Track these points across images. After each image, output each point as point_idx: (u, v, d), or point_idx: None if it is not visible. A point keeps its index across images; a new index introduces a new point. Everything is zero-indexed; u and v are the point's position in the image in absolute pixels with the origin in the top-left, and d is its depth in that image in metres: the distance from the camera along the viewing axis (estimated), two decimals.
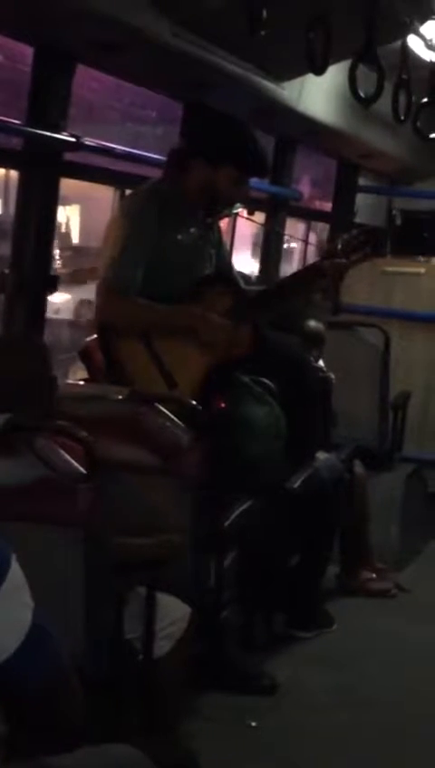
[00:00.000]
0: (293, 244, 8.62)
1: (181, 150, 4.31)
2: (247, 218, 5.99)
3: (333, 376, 5.41)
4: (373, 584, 5.59)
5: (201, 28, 4.08)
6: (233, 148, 4.24)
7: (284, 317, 4.76)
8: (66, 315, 9.50)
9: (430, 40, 5.34)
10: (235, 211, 4.73)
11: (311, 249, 8.02)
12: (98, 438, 3.00)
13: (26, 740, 2.02)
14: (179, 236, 4.25)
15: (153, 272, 4.14)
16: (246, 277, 5.01)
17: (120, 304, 4.12)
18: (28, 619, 1.90)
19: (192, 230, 4.31)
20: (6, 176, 6.20)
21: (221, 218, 4.52)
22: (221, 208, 4.37)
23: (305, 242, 7.60)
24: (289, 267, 7.61)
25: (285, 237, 7.04)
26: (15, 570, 1.90)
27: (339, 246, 4.45)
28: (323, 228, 8.29)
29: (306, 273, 4.67)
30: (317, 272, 4.48)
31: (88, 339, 4.35)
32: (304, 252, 7.78)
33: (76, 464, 2.92)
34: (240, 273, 4.99)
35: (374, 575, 5.62)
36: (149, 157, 4.88)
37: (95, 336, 4.25)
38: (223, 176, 4.22)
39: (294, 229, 7.64)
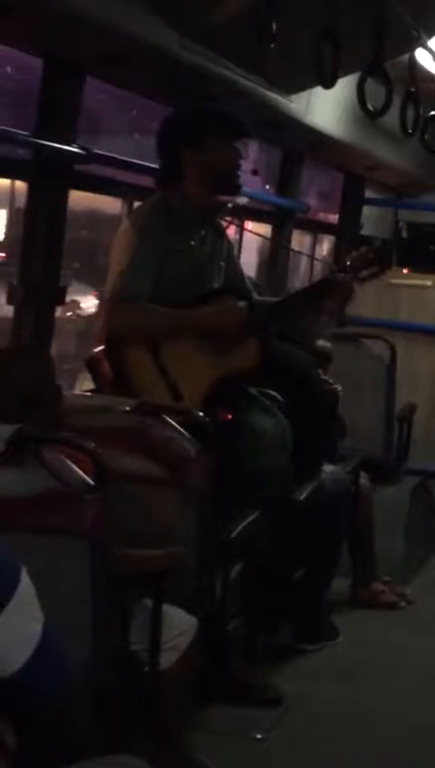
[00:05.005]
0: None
1: (166, 163, 4.34)
2: (253, 232, 6.01)
3: (339, 388, 5.41)
4: (384, 596, 5.59)
5: (209, 40, 4.09)
6: (205, 117, 4.30)
7: (291, 331, 4.77)
8: None
9: None
10: (239, 201, 4.73)
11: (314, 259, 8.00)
12: (105, 450, 3.00)
13: (34, 752, 2.02)
14: (188, 248, 4.26)
15: (162, 283, 4.15)
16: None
17: (129, 313, 4.13)
18: (38, 632, 1.91)
19: (201, 242, 4.32)
20: (12, 187, 6.20)
21: (231, 201, 4.52)
22: (229, 184, 4.36)
23: (312, 257, 7.60)
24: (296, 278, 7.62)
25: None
26: (26, 583, 1.91)
27: (348, 263, 4.47)
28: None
29: (315, 288, 4.67)
30: (326, 288, 4.49)
31: (95, 349, 4.36)
32: (311, 264, 7.77)
33: (84, 475, 2.92)
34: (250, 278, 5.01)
35: (385, 587, 5.63)
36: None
37: (102, 347, 4.27)
38: (212, 147, 4.25)
39: (299, 242, 7.64)
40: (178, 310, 4.19)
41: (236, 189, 4.43)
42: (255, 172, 6.01)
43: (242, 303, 4.30)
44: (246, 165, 4.64)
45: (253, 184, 6.50)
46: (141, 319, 4.15)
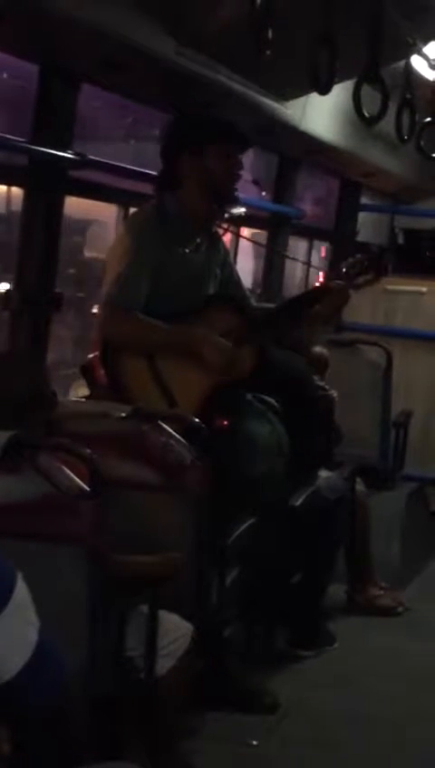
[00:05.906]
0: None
1: (166, 167, 4.34)
2: (249, 239, 6.01)
3: (335, 394, 5.41)
4: (381, 601, 5.59)
5: (206, 47, 4.10)
6: (206, 124, 4.32)
7: (287, 337, 4.77)
8: None
9: (434, 60, 5.36)
10: (237, 211, 4.73)
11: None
12: (101, 456, 3.00)
13: (29, 758, 2.02)
14: (183, 255, 4.27)
15: (157, 289, 4.16)
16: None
17: (124, 321, 4.13)
18: (34, 638, 1.91)
19: (195, 250, 4.33)
20: (8, 193, 6.20)
21: (228, 211, 4.52)
22: (226, 194, 4.36)
23: (308, 264, 7.60)
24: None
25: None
26: (21, 589, 1.91)
27: (343, 270, 4.47)
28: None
29: (310, 295, 4.67)
30: (321, 295, 4.49)
31: (90, 355, 4.36)
32: (307, 270, 7.77)
33: (79, 481, 2.92)
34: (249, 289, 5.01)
35: (382, 592, 5.63)
36: (155, 174, 4.88)
37: (97, 353, 4.26)
38: (212, 156, 4.27)
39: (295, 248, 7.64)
40: (170, 327, 4.18)
41: (233, 200, 4.44)
42: (256, 182, 6.02)
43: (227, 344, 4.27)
44: (245, 174, 4.64)
45: (250, 192, 6.50)
46: (134, 330, 4.15)
